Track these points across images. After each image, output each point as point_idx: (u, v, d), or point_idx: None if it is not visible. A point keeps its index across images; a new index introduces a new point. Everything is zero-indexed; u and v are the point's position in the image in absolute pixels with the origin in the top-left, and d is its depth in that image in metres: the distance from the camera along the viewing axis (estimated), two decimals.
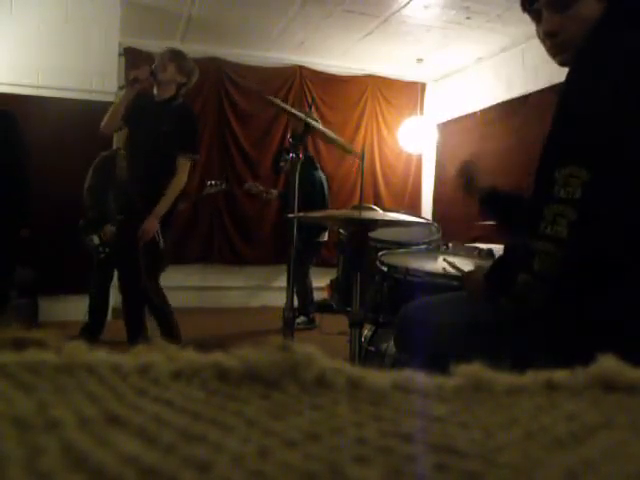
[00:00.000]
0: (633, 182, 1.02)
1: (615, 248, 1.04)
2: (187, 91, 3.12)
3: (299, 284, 4.49)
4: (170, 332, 3.20)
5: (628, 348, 0.41)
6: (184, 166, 2.94)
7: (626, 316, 1.03)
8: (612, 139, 1.01)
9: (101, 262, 3.73)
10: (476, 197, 1.53)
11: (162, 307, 3.19)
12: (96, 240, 3.67)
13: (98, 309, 3.83)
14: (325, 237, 4.70)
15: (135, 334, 3.79)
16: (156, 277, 3.10)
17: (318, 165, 4.76)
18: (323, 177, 4.67)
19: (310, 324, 4.68)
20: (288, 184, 4.64)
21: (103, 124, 3.00)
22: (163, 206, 2.88)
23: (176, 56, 3.01)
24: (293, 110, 2.43)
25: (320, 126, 2.48)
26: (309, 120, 2.25)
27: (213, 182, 4.11)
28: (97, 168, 3.76)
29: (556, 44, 1.20)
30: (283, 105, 2.54)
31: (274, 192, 4.73)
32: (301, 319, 4.60)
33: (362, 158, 2.86)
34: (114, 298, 4.30)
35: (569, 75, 1.10)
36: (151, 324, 3.91)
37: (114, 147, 4.15)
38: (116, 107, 2.96)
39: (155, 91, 3.01)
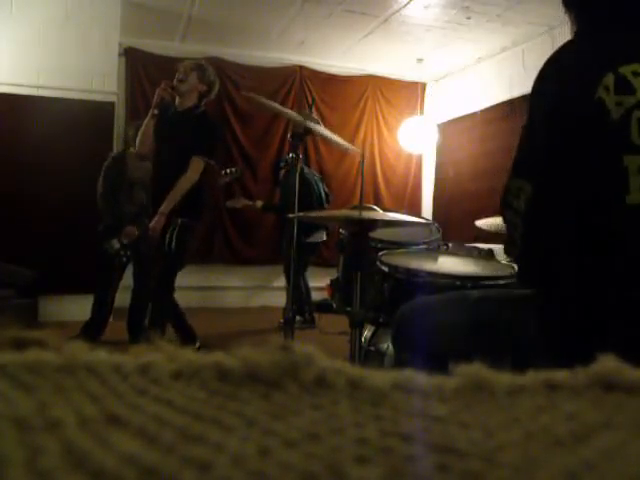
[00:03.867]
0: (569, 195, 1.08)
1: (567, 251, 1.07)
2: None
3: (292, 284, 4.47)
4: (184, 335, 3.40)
5: (628, 348, 0.41)
6: (196, 165, 2.96)
7: (627, 315, 1.03)
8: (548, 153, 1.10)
9: (121, 265, 3.73)
10: None
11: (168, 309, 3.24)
12: (116, 245, 3.65)
13: (104, 310, 3.82)
14: (320, 238, 4.67)
15: (137, 334, 3.80)
16: (168, 279, 3.09)
17: (307, 165, 4.76)
18: (314, 176, 4.64)
19: (305, 324, 4.68)
20: (283, 193, 4.63)
21: (137, 147, 3.14)
22: (167, 204, 2.90)
23: (198, 67, 3.11)
24: (282, 108, 2.49)
25: (322, 128, 2.49)
26: (303, 120, 2.27)
27: (228, 170, 4.10)
28: (107, 171, 3.71)
29: None
30: (280, 107, 2.59)
31: (259, 203, 4.73)
32: (296, 319, 4.60)
33: (362, 158, 2.85)
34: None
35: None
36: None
37: (119, 147, 4.13)
38: (144, 129, 3.07)
39: (177, 101, 3.08)
